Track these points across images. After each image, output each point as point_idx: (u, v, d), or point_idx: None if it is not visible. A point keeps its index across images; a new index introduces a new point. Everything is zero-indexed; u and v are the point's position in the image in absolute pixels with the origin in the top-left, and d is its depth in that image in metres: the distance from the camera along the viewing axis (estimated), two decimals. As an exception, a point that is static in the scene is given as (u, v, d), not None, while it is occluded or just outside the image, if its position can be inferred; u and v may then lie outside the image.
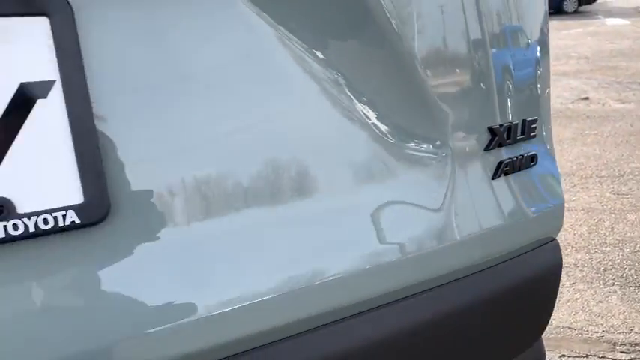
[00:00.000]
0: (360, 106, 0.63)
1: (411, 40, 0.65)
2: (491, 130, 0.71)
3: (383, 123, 0.64)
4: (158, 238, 0.53)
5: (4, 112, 0.45)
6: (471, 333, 0.72)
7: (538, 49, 0.77)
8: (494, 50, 0.70)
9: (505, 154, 0.73)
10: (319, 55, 0.60)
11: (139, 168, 0.51)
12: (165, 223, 0.53)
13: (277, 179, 0.58)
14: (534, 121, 0.76)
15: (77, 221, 0.48)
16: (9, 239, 0.46)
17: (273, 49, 0.57)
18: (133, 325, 0.51)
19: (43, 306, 0.48)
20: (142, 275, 0.52)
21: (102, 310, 0.50)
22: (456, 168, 0.69)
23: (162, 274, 0.53)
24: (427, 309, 0.67)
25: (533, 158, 0.77)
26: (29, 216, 0.46)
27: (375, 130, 0.64)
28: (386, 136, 0.65)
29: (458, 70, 0.69)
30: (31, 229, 0.46)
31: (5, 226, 0.46)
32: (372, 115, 0.64)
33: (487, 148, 0.71)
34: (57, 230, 0.48)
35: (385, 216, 0.65)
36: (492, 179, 0.72)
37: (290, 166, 0.59)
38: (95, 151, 0.49)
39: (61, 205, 0.48)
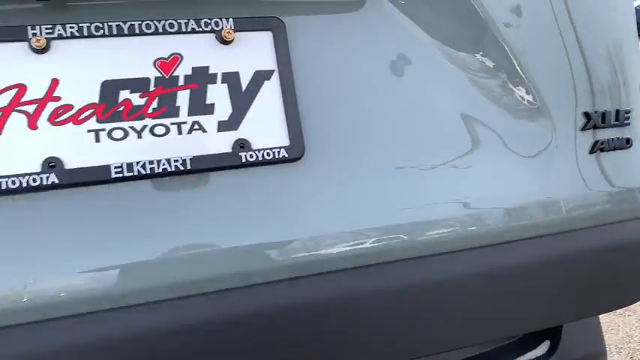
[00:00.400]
0: (489, 93, 0.85)
1: (520, 42, 0.87)
2: (586, 114, 0.89)
3: (505, 107, 0.86)
4: (334, 172, 0.77)
5: (246, 87, 0.74)
6: (582, 275, 0.85)
7: (630, 45, 0.95)
8: (588, 48, 0.90)
9: (600, 135, 0.90)
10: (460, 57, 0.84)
11: (325, 125, 0.77)
12: (341, 163, 0.77)
13: (437, 140, 0.81)
14: (628, 112, 0.92)
15: (285, 156, 0.74)
16: (247, 164, 0.73)
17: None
18: (312, 229, 0.74)
19: (263, 210, 0.73)
20: (325, 195, 0.76)
21: (300, 212, 0.74)
22: (557, 142, 0.87)
23: (333, 194, 0.76)
24: (553, 251, 0.83)
25: (628, 141, 0.92)
26: (259, 150, 0.73)
27: (498, 109, 0.85)
28: (506, 115, 0.86)
29: (560, 67, 0.89)
30: (260, 159, 0.73)
31: (245, 155, 0.73)
32: (497, 100, 0.86)
33: (583, 129, 0.89)
34: (273, 161, 0.74)
35: (503, 178, 0.84)
36: (589, 154, 0.89)
37: (445, 131, 0.82)
38: (296, 113, 0.76)
39: (276, 145, 0.74)
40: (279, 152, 0.74)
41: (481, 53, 0.87)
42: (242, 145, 0.73)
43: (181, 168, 0.70)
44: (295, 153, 0.75)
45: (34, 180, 0.65)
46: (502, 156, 0.85)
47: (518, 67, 0.87)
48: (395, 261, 0.76)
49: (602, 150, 0.89)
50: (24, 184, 0.65)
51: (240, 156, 0.72)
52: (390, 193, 0.78)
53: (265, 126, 0.74)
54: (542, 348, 1.14)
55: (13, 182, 0.64)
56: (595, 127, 0.89)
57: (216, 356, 0.69)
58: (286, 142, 0.75)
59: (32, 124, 0.66)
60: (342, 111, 0.79)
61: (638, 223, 0.90)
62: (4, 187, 0.64)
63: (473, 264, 0.80)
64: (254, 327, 0.70)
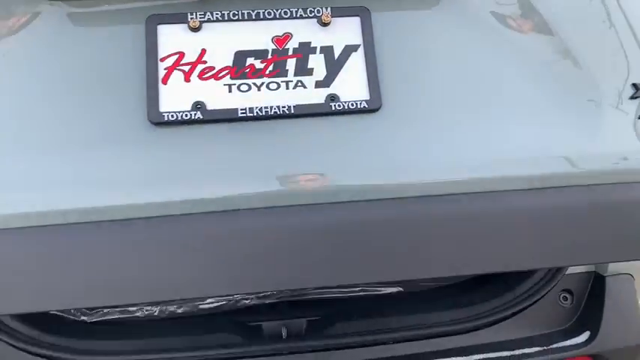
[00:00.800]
0: (546, 65, 1.02)
1: (573, 25, 1.03)
2: (635, 85, 1.02)
3: (560, 78, 1.02)
4: (405, 120, 0.97)
5: (338, 57, 0.98)
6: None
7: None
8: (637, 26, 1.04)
9: (649, 102, 1.02)
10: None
11: (398, 86, 0.98)
12: (411, 113, 0.98)
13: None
14: None
15: (366, 107, 0.96)
16: (336, 113, 0.96)
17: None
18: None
19: (347, 145, 0.95)
20: (396, 137, 0.96)
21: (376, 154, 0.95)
22: (609, 108, 1.01)
23: (404, 137, 0.96)
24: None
25: None
26: (345, 102, 0.96)
27: (555, 79, 1.01)
28: (561, 85, 1.02)
29: (612, 45, 1.03)
30: (346, 108, 0.96)
31: (334, 105, 0.96)
32: (553, 71, 1.02)
33: (632, 97, 1.01)
34: (356, 111, 0.96)
35: (558, 135, 0.99)
36: (638, 119, 1.01)
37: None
38: (376, 76, 0.98)
39: (359, 99, 0.97)
40: (360, 104, 0.96)
41: (536, 31, 1.04)
42: (332, 98, 0.96)
43: (287, 112, 0.94)
44: (374, 105, 0.97)
45: (186, 115, 0.93)
46: (558, 118, 1.00)
47: (572, 46, 1.03)
48: (457, 194, 0.94)
49: None
50: (179, 118, 0.93)
51: (331, 106, 0.96)
52: (448, 139, 0.96)
53: (351, 85, 0.97)
54: (583, 337, 1.29)
55: (173, 116, 0.93)
56: None
57: (326, 246, 0.90)
58: (367, 97, 0.97)
59: (187, 79, 0.95)
60: (412, 76, 0.99)
61: None
62: (166, 119, 0.92)
63: (542, 201, 0.95)
64: (342, 230, 0.92)
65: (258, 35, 0.98)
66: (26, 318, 1.26)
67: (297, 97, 0.96)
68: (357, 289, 1.49)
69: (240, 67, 0.96)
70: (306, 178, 0.93)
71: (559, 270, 1.32)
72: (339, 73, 0.98)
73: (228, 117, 0.94)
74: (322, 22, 0.99)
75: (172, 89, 0.94)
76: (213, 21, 0.98)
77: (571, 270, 1.34)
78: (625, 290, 1.32)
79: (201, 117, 0.93)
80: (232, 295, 1.47)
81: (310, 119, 0.96)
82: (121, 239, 0.88)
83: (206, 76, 0.95)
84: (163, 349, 1.30)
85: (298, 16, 1.00)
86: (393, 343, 1.29)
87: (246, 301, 1.48)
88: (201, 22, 0.97)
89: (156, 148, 0.93)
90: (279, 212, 0.91)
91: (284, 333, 1.33)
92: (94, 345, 1.29)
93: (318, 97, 0.96)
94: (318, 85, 0.97)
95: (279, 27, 0.99)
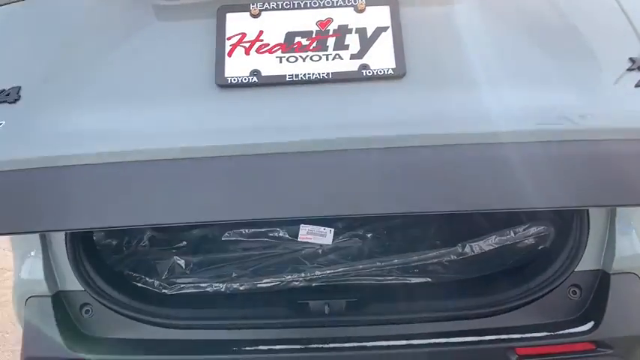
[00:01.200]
0: (552, 42, 1.19)
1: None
2: (632, 59, 1.16)
3: (564, 52, 1.18)
4: (426, 85, 1.15)
5: (370, 36, 1.19)
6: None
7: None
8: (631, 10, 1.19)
9: (645, 74, 1.15)
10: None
11: (420, 58, 1.17)
12: (431, 80, 1.16)
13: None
14: None
15: (392, 74, 1.15)
16: (367, 79, 1.15)
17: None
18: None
19: (376, 105, 1.14)
20: (419, 99, 1.14)
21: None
22: (610, 77, 1.15)
23: (425, 99, 1.14)
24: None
25: None
26: (375, 70, 1.16)
27: (560, 53, 1.17)
28: (565, 58, 1.17)
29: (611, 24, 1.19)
30: (375, 74, 1.15)
31: (366, 72, 1.16)
32: (559, 45, 1.18)
33: (629, 69, 1.15)
34: (383, 77, 1.15)
35: (562, 99, 1.14)
36: (635, 87, 1.14)
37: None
38: (402, 50, 1.17)
39: (387, 67, 1.16)
40: (387, 71, 1.16)
41: (542, 9, 1.21)
42: (364, 67, 1.16)
43: (326, 77, 1.15)
44: (399, 72, 1.16)
45: (245, 79, 1.16)
46: (561, 86, 1.15)
47: (575, 24, 1.19)
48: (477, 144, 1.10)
49: None
50: (240, 82, 1.15)
51: (363, 72, 1.16)
52: (460, 99, 1.13)
53: (380, 57, 1.17)
54: (587, 326, 1.49)
55: (235, 80, 1.16)
56: (639, 68, 1.15)
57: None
58: (394, 66, 1.16)
59: (247, 53, 1.18)
60: (431, 50, 1.18)
61: None
62: (230, 82, 1.15)
63: (554, 150, 1.10)
64: (362, 170, 1.10)
65: (305, 20, 1.21)
66: (122, 287, 1.61)
67: (335, 66, 1.17)
68: (391, 277, 1.74)
69: (289, 44, 1.19)
70: (338, 128, 1.12)
71: (569, 266, 1.51)
72: (371, 48, 1.18)
73: (278, 81, 1.16)
74: (358, 10, 1.21)
75: (235, 60, 1.18)
76: (270, 9, 1.22)
77: (580, 267, 1.53)
78: (628, 287, 1.51)
79: (257, 81, 1.16)
80: (284, 277, 1.73)
81: (345, 83, 1.16)
82: (195, 170, 1.11)
83: (262, 50, 1.18)
84: (226, 317, 1.60)
85: (338, 5, 1.22)
86: (421, 322, 1.52)
87: (296, 283, 1.73)
88: (260, 10, 1.21)
89: (221, 104, 1.16)
90: (313, 155, 1.10)
91: (327, 310, 1.55)
92: (171, 312, 1.60)
93: (352, 66, 1.17)
94: (353, 57, 1.18)
95: (322, 14, 1.22)
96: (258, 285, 1.74)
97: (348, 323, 1.56)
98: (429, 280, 1.73)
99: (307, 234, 2.26)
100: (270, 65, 1.17)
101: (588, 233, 1.53)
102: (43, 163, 1.12)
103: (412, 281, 1.73)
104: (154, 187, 1.12)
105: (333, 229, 2.23)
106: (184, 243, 2.06)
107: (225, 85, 1.16)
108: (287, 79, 1.16)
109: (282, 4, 1.22)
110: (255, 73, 1.17)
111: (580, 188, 1.10)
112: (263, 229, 2.13)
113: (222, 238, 2.11)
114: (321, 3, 1.22)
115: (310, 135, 1.12)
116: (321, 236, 2.26)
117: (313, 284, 1.74)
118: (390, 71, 1.16)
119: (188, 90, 1.17)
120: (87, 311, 1.62)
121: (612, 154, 1.10)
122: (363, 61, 1.17)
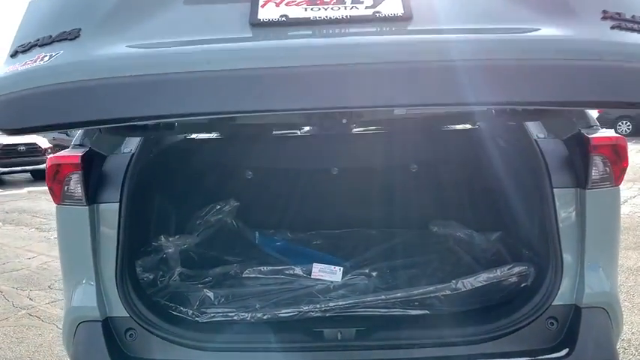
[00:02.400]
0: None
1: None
2: (604, 11, 1.36)
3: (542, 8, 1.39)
4: (429, 26, 1.34)
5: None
6: None
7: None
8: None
9: (618, 23, 1.32)
10: None
11: (425, 7, 1.39)
12: (433, 21, 1.34)
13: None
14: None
15: (401, 16, 1.35)
16: (380, 20, 1.35)
17: None
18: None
19: (387, 38, 1.32)
20: (424, 34, 1.33)
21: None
22: (585, 23, 1.34)
23: (428, 34, 1.32)
24: None
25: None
26: (387, 14, 1.37)
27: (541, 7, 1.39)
28: (543, 11, 1.38)
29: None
30: (389, 16, 1.36)
31: (379, 15, 1.36)
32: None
33: (603, 18, 1.33)
34: (393, 19, 1.35)
35: (544, 37, 1.32)
36: (611, 29, 1.31)
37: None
38: (410, 6, 1.39)
39: (396, 12, 1.35)
40: (396, 14, 1.36)
41: None
42: (377, 12, 1.37)
43: (344, 18, 1.35)
44: (407, 15, 1.35)
45: (276, 19, 1.36)
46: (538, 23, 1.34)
47: None
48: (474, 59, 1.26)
49: (619, 28, 1.32)
50: (272, 21, 1.36)
51: (376, 15, 1.36)
52: (457, 37, 1.32)
53: (391, 6, 1.37)
54: (563, 352, 1.79)
55: (266, 19, 1.36)
56: (612, 17, 1.34)
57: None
58: (402, 12, 1.37)
59: (277, 5, 1.41)
60: (437, 5, 1.41)
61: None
62: (261, 21, 1.36)
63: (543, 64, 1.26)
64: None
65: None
66: (160, 314, 1.95)
67: (352, 12, 1.38)
68: (395, 309, 2.07)
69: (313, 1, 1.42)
70: (356, 46, 1.30)
71: (547, 300, 1.83)
72: (382, 2, 1.40)
73: (304, 22, 1.36)
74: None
75: (267, 9, 1.40)
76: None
77: (557, 302, 1.84)
78: (596, 319, 1.82)
79: (285, 20, 1.36)
80: (302, 308, 2.06)
81: (361, 24, 1.36)
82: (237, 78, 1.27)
83: (292, 3, 1.41)
84: (251, 342, 1.93)
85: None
86: (419, 347, 1.85)
87: (312, 313, 2.05)
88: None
89: (254, 39, 1.37)
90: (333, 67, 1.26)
91: (339, 336, 1.89)
92: (203, 336, 1.92)
93: (366, 12, 1.38)
94: (367, 7, 1.39)
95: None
96: (279, 315, 2.04)
97: (358, 348, 1.87)
98: (427, 312, 2.04)
99: (319, 272, 2.33)
100: (297, 12, 1.38)
101: (562, 272, 1.85)
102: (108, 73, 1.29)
103: (412, 313, 2.06)
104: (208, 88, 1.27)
105: (342, 268, 2.33)
106: (209, 278, 2.40)
107: (257, 23, 1.36)
108: (311, 19, 1.36)
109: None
110: (283, 15, 1.38)
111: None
112: (279, 267, 2.46)
113: (243, 275, 2.45)
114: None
115: (330, 60, 1.26)
116: (332, 274, 2.31)
117: (327, 314, 2.05)
118: (399, 14, 1.36)
119: (228, 29, 1.38)
120: (131, 335, 1.88)
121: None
122: (377, 8, 1.38)
